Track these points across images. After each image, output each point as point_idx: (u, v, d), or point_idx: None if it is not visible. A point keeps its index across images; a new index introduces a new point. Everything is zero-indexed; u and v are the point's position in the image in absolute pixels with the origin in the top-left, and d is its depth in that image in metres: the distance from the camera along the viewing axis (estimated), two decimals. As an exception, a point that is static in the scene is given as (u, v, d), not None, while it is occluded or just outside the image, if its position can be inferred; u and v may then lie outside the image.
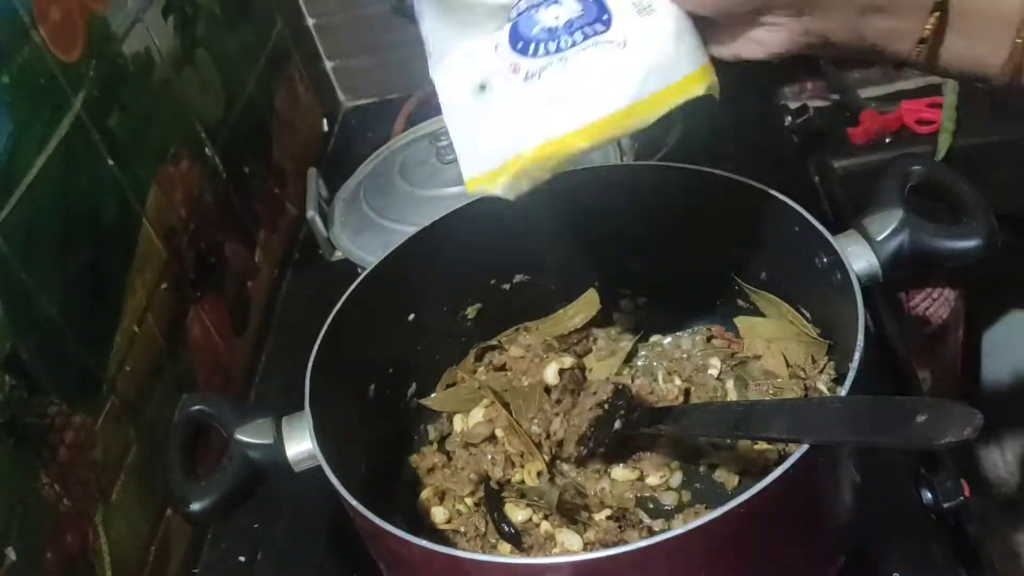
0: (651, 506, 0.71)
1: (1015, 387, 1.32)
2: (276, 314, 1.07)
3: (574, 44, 0.45)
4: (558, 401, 0.73)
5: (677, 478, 0.71)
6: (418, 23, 0.49)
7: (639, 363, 0.81)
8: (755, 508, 0.49)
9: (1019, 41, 0.43)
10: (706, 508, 0.69)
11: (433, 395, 0.80)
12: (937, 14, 0.46)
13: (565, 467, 0.73)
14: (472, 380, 0.80)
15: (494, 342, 0.82)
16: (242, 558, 0.81)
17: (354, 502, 0.56)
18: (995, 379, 1.36)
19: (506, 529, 0.68)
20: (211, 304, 0.93)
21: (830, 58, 0.48)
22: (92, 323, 0.74)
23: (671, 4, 0.46)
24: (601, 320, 0.82)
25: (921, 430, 0.47)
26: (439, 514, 0.71)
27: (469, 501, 0.72)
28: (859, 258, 0.63)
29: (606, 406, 0.68)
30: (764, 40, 0.49)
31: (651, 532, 0.68)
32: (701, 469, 0.71)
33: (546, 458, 0.73)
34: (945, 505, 0.69)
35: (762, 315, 0.75)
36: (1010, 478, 1.37)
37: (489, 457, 0.73)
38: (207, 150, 0.99)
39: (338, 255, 0.94)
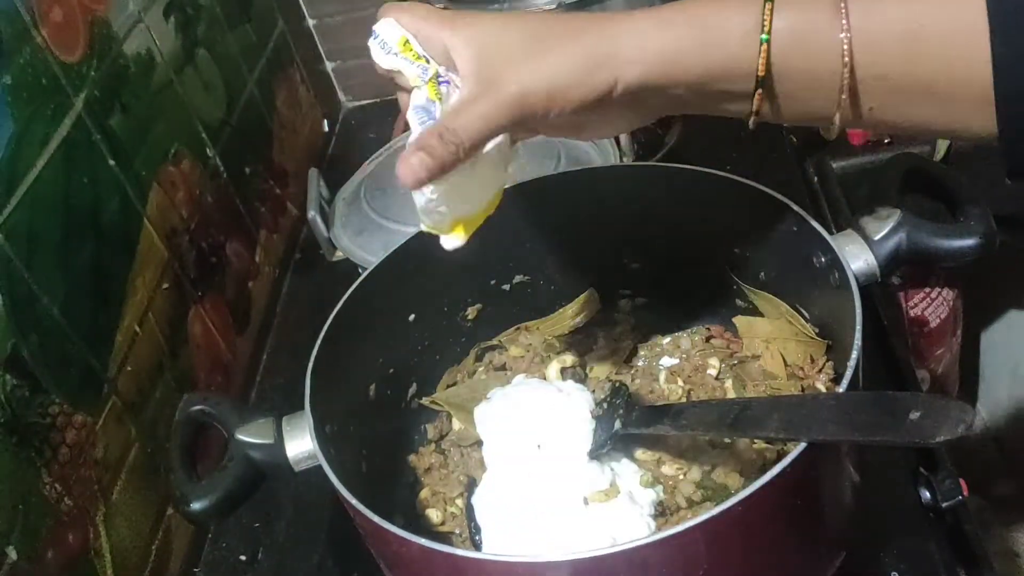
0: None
1: (1014, 387, 1.32)
2: (277, 314, 1.07)
3: None
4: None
5: (696, 472, 0.69)
6: None
7: (639, 363, 0.81)
8: (753, 507, 0.49)
9: (844, 97, 0.50)
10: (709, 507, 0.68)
11: (434, 395, 0.80)
12: (760, 91, 0.52)
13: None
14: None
15: (494, 342, 0.82)
16: (243, 557, 0.81)
17: (354, 501, 0.56)
18: (993, 379, 1.37)
19: (478, 539, 0.67)
20: (212, 304, 0.94)
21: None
22: (93, 322, 0.74)
23: None
24: (601, 320, 0.83)
25: (915, 427, 0.47)
26: (433, 515, 0.71)
27: (460, 503, 0.71)
28: (857, 257, 0.63)
29: (605, 405, 0.68)
30: (618, 126, 0.58)
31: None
32: (703, 468, 0.71)
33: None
34: (944, 504, 0.69)
35: (761, 315, 0.75)
36: (1009, 477, 1.37)
37: (476, 458, 0.73)
38: (208, 150, 0.99)
39: (339, 255, 0.94)
